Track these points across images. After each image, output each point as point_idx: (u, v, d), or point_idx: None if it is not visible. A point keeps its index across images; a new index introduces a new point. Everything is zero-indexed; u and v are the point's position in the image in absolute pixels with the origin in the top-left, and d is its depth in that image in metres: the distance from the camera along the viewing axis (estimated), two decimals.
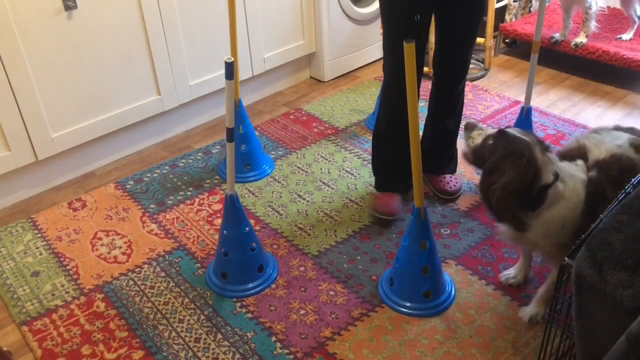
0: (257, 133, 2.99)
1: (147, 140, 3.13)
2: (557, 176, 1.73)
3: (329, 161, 2.91)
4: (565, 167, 1.78)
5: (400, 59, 2.32)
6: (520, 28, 3.70)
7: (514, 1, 3.84)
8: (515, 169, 1.70)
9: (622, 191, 1.56)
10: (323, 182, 2.76)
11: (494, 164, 1.75)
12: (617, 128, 1.98)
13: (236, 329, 2.05)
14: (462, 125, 2.71)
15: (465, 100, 3.35)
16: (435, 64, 2.43)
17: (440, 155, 2.60)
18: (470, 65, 3.74)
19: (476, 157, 1.90)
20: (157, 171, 2.91)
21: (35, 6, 2.48)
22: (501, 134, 1.80)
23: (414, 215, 1.99)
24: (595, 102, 3.31)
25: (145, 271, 2.32)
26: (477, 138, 1.89)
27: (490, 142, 1.82)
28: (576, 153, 1.86)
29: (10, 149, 2.62)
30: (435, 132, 2.56)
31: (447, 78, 2.44)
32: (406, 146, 2.46)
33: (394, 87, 2.37)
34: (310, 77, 3.75)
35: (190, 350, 1.98)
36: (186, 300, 2.18)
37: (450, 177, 2.62)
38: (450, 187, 2.58)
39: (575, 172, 1.77)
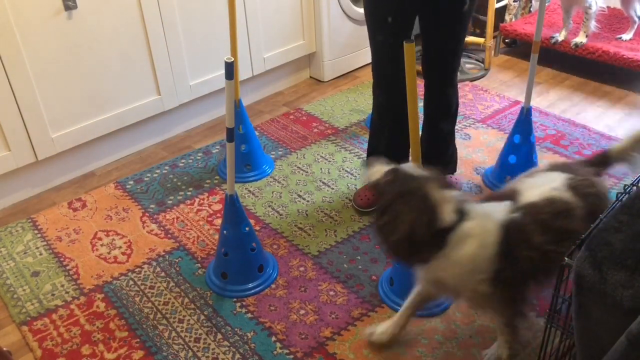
0: (257, 133, 2.99)
1: (147, 140, 3.13)
2: (462, 214, 1.58)
3: (329, 161, 2.91)
4: (482, 206, 1.67)
5: (379, 58, 2.36)
6: (520, 28, 3.70)
7: (514, 1, 3.84)
8: (408, 210, 1.54)
9: (623, 191, 1.56)
10: (323, 182, 2.77)
11: (387, 203, 1.59)
12: (553, 167, 1.84)
13: (236, 329, 2.05)
14: (458, 127, 2.72)
15: (465, 101, 3.36)
16: (423, 67, 2.43)
17: (438, 156, 2.60)
18: (470, 65, 3.75)
19: (376, 194, 1.72)
20: (157, 171, 2.91)
21: (35, 6, 2.48)
22: (394, 171, 1.63)
23: None
24: (595, 102, 3.31)
25: (145, 271, 2.32)
26: (376, 175, 1.66)
27: (387, 178, 1.63)
28: (508, 197, 1.73)
29: (10, 149, 2.62)
30: (430, 134, 2.55)
31: (434, 81, 2.43)
32: (394, 141, 2.48)
33: (378, 85, 2.42)
34: (310, 77, 3.75)
35: (190, 350, 1.98)
36: (186, 300, 2.18)
37: (450, 177, 2.62)
38: None
39: (491, 211, 1.64)
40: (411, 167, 1.66)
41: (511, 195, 1.72)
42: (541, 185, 1.73)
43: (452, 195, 1.59)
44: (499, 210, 1.65)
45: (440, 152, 2.60)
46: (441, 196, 1.56)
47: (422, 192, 1.55)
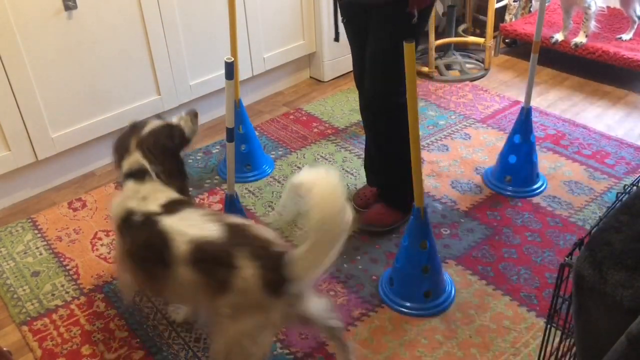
0: (257, 133, 2.99)
1: None
2: (139, 174, 1.81)
3: (329, 161, 2.91)
4: (156, 189, 1.79)
5: (352, 58, 2.35)
6: (520, 28, 3.70)
7: (514, 1, 3.84)
8: (116, 141, 1.96)
9: (623, 191, 1.56)
10: None
11: None
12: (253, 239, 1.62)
13: None
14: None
15: (465, 101, 3.36)
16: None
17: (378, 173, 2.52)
18: (470, 65, 3.75)
19: None
20: None
21: (35, 6, 2.48)
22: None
23: (413, 215, 1.99)
24: (595, 102, 3.31)
25: None
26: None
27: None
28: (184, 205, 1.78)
29: (10, 149, 2.62)
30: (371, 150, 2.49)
31: (363, 95, 2.36)
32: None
33: (357, 87, 2.42)
34: (310, 77, 3.75)
35: (190, 350, 1.98)
36: None
37: (382, 207, 2.44)
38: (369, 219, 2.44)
39: (150, 191, 1.77)
40: (148, 121, 1.94)
41: (180, 205, 1.76)
42: (188, 218, 1.68)
43: (141, 157, 1.83)
44: (152, 196, 1.76)
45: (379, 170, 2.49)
46: (132, 150, 1.85)
47: (126, 136, 1.89)
